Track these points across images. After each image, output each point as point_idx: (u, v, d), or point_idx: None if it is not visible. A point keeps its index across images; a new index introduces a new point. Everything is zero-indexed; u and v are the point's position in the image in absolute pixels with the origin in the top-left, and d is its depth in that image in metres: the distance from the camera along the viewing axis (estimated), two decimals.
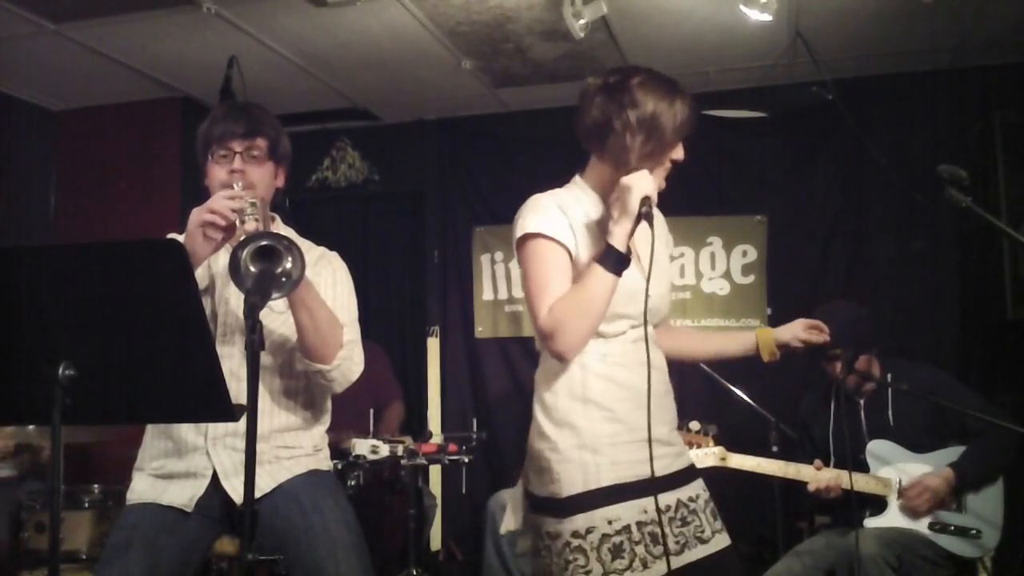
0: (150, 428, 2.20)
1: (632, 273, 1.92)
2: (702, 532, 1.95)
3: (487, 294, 4.92)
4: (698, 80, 4.35)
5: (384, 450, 3.53)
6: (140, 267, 1.62)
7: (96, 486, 3.67)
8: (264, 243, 1.87)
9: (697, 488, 2.01)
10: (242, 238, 1.90)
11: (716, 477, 2.49)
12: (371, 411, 3.93)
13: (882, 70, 4.31)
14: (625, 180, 1.89)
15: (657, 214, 1.99)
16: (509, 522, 2.06)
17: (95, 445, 3.90)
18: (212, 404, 1.67)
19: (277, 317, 2.15)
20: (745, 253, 4.58)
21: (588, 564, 1.86)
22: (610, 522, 1.87)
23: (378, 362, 4.42)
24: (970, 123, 4.28)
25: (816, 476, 3.08)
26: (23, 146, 4.65)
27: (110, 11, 3.60)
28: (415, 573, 3.58)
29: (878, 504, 3.10)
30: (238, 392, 1.89)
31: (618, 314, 1.94)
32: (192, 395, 1.68)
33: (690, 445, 3.01)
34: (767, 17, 3.44)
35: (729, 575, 1.99)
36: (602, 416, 1.93)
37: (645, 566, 1.86)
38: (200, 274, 2.07)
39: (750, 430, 3.50)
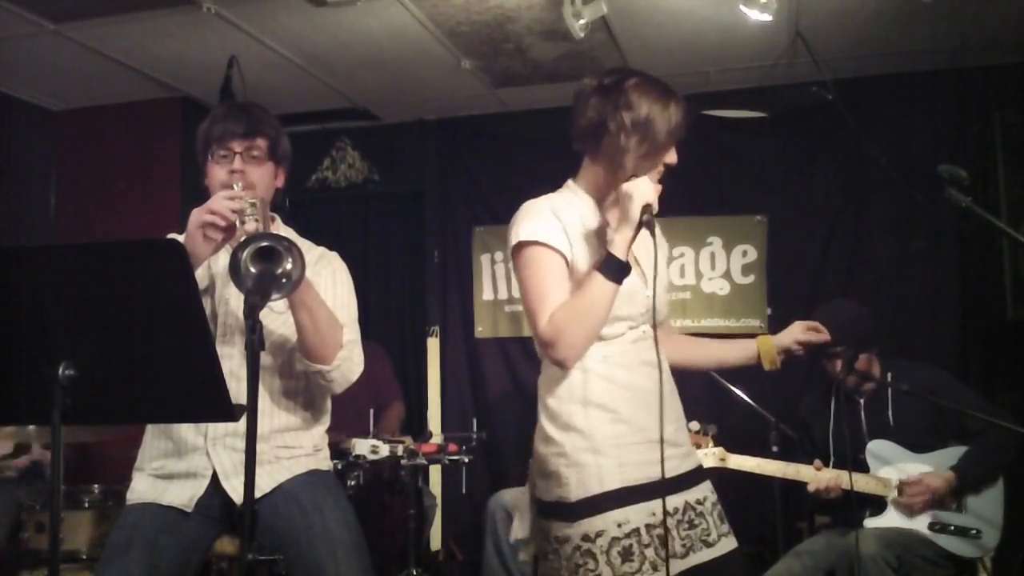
0: (150, 428, 2.20)
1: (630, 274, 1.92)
2: (708, 535, 1.95)
3: (487, 294, 4.91)
4: (698, 80, 4.35)
5: (384, 450, 3.53)
6: (140, 267, 1.62)
7: (96, 486, 3.67)
8: (264, 244, 1.87)
9: (705, 490, 2.01)
10: (242, 239, 1.90)
11: (716, 477, 2.47)
12: (371, 411, 3.93)
13: (882, 70, 4.31)
14: (626, 187, 1.88)
15: None
16: (517, 530, 2.06)
17: (95, 445, 3.89)
18: (212, 404, 1.67)
19: (277, 317, 2.15)
20: (745, 253, 4.57)
21: (598, 568, 1.85)
22: (619, 525, 1.87)
23: (378, 362, 4.42)
24: (970, 123, 4.28)
25: (816, 476, 3.08)
26: (23, 146, 4.65)
27: (110, 11, 3.60)
28: (415, 573, 3.58)
29: (878, 504, 3.10)
30: (238, 392, 1.89)
31: (617, 316, 1.93)
32: (192, 395, 1.68)
33: None
34: (767, 17, 3.44)
35: None
36: (607, 418, 1.92)
37: (655, 569, 1.85)
38: (200, 274, 2.07)
39: (750, 430, 3.50)
